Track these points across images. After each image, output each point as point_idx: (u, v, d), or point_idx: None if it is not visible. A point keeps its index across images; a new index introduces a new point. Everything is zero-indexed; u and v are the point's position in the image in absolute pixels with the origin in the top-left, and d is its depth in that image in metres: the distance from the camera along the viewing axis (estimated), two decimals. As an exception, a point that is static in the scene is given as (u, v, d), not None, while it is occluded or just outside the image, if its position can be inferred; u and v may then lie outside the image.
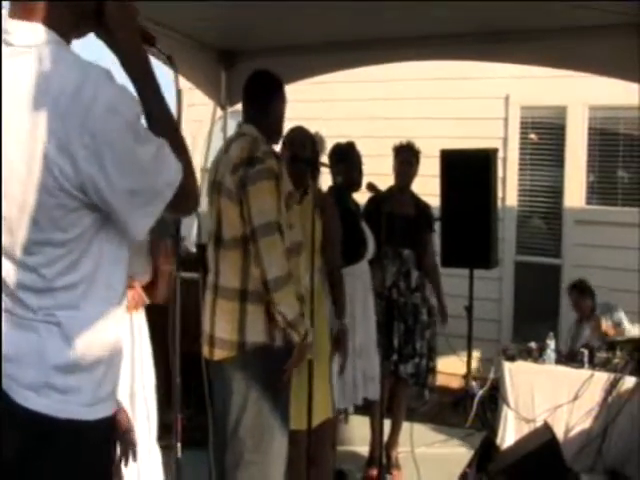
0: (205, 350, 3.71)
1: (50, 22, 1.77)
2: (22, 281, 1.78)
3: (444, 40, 5.53)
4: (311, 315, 3.86)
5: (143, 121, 1.82)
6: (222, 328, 3.62)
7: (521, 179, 8.91)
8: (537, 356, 5.93)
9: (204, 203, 4.09)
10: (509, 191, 8.79)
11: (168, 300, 3.98)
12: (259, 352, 3.57)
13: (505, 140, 8.80)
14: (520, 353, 6.03)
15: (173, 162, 1.83)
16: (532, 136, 8.95)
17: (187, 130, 11.40)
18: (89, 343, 1.82)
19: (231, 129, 5.48)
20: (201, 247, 4.03)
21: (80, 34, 1.92)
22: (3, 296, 1.79)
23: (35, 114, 1.67)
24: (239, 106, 4.07)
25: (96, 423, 1.85)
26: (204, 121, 7.37)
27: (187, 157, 1.92)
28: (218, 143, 4.85)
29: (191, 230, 6.71)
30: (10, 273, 1.79)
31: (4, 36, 1.76)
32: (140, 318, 4.04)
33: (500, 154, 7.74)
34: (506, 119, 8.87)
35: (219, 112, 6.59)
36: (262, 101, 3.83)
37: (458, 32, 5.34)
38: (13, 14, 1.78)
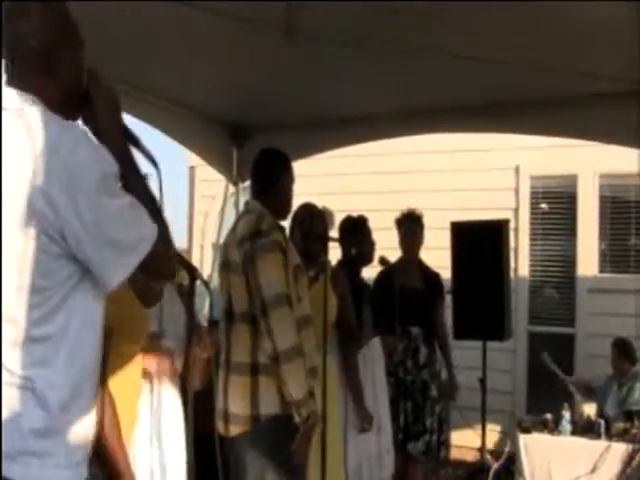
0: (220, 426, 3.68)
1: (37, 93, 1.94)
2: (4, 334, 1.82)
3: (452, 113, 5.57)
4: (323, 395, 3.85)
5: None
6: (236, 404, 3.60)
7: (533, 249, 8.94)
8: (553, 427, 5.88)
9: (216, 279, 4.12)
10: (521, 261, 8.80)
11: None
12: (273, 424, 3.54)
13: (516, 210, 8.85)
14: (535, 425, 5.98)
15: (148, 220, 1.92)
16: (543, 206, 8.99)
17: (200, 205, 11.42)
18: (63, 405, 1.85)
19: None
20: (214, 323, 4.02)
21: (68, 116, 2.02)
22: None
23: (21, 168, 1.81)
24: (251, 182, 4.12)
25: None
26: (217, 197, 7.43)
27: (167, 234, 2.00)
28: (231, 219, 4.90)
29: (203, 306, 6.73)
30: None
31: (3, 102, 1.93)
32: (167, 389, 3.70)
33: (511, 224, 7.76)
34: (516, 189, 8.93)
35: (231, 188, 6.65)
36: (270, 180, 3.87)
37: (465, 105, 5.39)
38: (8, 83, 1.97)
